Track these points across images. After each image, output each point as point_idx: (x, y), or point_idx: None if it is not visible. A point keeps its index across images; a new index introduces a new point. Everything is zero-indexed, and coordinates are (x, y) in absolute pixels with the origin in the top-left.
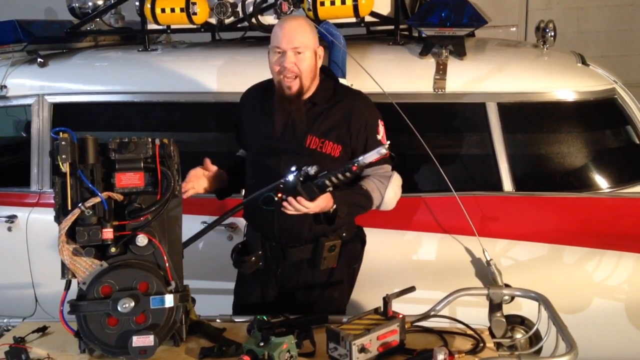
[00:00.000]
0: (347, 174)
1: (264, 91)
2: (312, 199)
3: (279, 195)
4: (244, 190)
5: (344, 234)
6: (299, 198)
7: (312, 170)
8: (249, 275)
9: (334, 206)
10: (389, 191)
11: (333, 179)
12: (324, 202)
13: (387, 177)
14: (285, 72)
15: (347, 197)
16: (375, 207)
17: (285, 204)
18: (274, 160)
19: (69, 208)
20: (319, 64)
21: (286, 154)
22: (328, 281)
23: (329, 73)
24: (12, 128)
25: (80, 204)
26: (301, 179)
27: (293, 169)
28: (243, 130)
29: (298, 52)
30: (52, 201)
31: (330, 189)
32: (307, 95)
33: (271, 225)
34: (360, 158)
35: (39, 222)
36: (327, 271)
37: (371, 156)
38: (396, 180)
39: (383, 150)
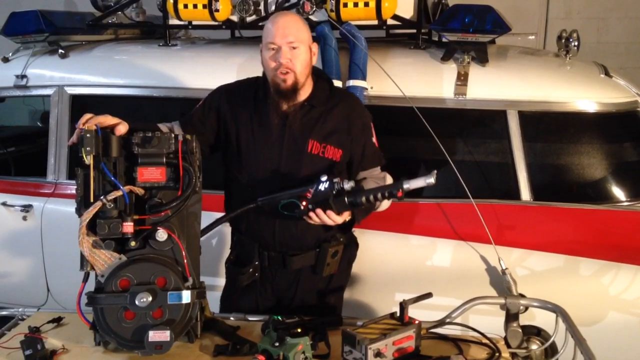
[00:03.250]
0: (387, 197)
1: (253, 92)
2: (340, 213)
3: (304, 203)
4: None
5: (341, 239)
6: (328, 212)
7: (347, 185)
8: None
9: (351, 216)
10: None
11: (372, 198)
12: (347, 215)
13: (381, 178)
14: (280, 68)
15: None
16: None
17: (311, 214)
18: (273, 167)
19: (91, 200)
20: (314, 60)
21: (285, 160)
22: (327, 287)
23: (322, 74)
24: (29, 118)
25: (102, 197)
26: (334, 192)
27: (324, 178)
28: (225, 132)
29: (293, 47)
30: (68, 192)
31: (363, 207)
32: (303, 97)
33: (271, 234)
34: (406, 183)
35: (54, 213)
36: (327, 277)
37: (417, 183)
38: (389, 182)
39: (432, 180)
